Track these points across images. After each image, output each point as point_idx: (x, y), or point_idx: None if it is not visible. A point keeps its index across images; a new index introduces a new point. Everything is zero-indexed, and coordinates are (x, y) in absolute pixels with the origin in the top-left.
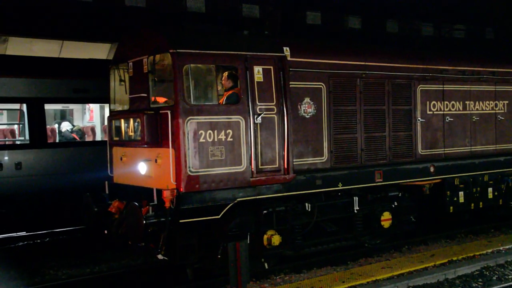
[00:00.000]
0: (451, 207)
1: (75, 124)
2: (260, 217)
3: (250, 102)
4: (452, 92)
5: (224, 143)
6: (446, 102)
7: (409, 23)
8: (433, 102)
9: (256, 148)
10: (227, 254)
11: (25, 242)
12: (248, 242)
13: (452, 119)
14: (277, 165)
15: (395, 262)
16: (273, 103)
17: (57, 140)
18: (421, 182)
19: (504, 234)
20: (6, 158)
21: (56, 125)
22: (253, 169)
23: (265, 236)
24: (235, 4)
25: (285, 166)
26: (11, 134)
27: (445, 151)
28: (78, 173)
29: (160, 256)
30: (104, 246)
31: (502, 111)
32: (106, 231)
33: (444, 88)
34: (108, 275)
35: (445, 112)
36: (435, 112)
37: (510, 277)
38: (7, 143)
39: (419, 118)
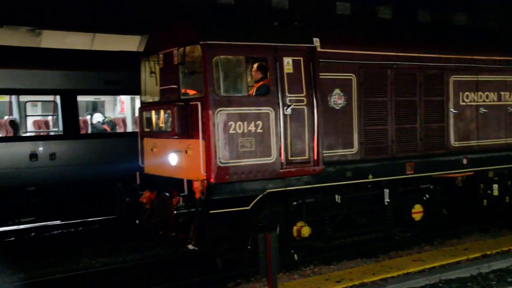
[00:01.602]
0: (485, 200)
1: (106, 115)
2: (289, 209)
3: (279, 94)
4: (486, 82)
5: (253, 134)
6: (480, 93)
7: (442, 12)
8: (466, 93)
9: (285, 140)
10: (257, 245)
11: (60, 231)
12: (278, 233)
13: (486, 110)
14: (306, 157)
15: (427, 255)
16: (303, 94)
17: (89, 131)
18: (453, 174)
19: None
20: (41, 148)
21: (88, 117)
22: (282, 161)
23: (295, 228)
24: None
25: (315, 158)
26: (45, 125)
27: (479, 143)
28: (109, 164)
29: (190, 246)
30: (135, 235)
31: None
32: (137, 221)
33: (478, 79)
34: (140, 264)
35: (479, 103)
36: (468, 103)
37: None
38: (41, 134)
39: (452, 110)
